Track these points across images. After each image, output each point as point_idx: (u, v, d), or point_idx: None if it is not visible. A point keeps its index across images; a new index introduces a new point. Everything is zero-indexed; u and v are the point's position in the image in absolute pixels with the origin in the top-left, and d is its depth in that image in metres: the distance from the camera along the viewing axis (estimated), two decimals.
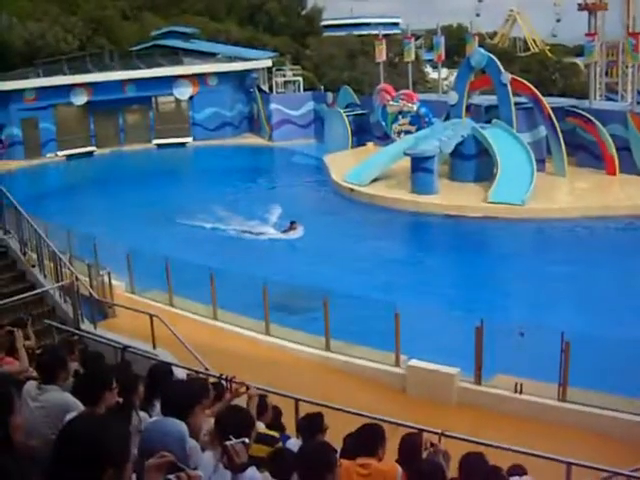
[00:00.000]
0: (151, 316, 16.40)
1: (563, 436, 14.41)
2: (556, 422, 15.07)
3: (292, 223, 32.86)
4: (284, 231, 32.75)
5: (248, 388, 7.38)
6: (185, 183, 47.06)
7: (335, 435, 8.14)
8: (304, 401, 10.77)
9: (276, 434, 8.28)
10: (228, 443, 5.02)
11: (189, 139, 59.06)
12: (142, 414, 7.22)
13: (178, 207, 36.38)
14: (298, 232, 32.58)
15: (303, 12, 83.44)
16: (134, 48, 63.36)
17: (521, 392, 15.87)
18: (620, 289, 24.72)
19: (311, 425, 8.38)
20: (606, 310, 22.72)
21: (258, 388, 9.82)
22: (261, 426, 8.13)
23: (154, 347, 15.98)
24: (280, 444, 7.96)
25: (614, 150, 38.35)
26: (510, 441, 10.93)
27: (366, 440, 7.14)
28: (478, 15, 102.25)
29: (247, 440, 5.14)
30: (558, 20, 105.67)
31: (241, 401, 7.31)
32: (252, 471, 5.29)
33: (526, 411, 15.53)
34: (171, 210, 35.67)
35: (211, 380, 9.33)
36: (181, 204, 37.43)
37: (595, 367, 16.88)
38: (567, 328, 15.88)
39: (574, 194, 36.56)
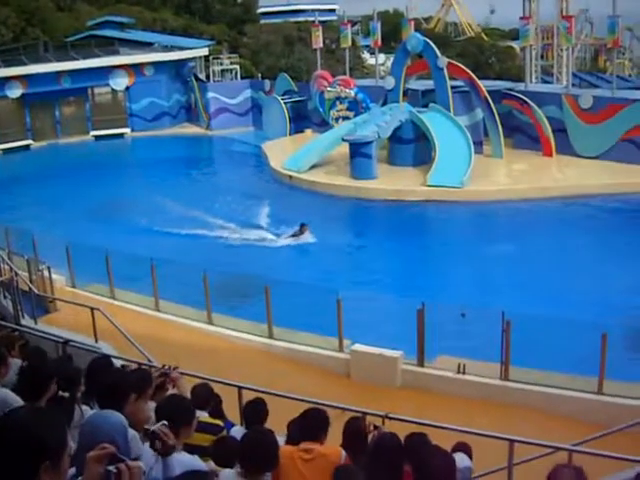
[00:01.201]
0: (92, 309, 16.26)
1: (506, 414, 14.70)
2: (499, 401, 15.34)
3: (302, 226, 29.86)
4: (293, 235, 29.81)
5: (167, 374, 7.34)
6: (127, 175, 46.53)
7: (280, 422, 8.17)
8: (247, 389, 10.75)
9: (220, 422, 8.30)
10: (154, 427, 5.04)
11: (127, 130, 58.51)
12: (84, 407, 7.18)
13: (129, 202, 36.01)
14: (308, 236, 29.63)
15: None
16: (69, 39, 62.48)
17: (464, 372, 16.05)
18: (559, 268, 25.08)
19: (255, 411, 8.39)
20: (546, 289, 23.09)
21: (201, 377, 9.84)
22: (204, 415, 8.13)
23: (96, 340, 15.86)
24: (224, 432, 7.99)
25: (550, 132, 38.90)
26: (454, 421, 11.05)
27: (309, 425, 7.18)
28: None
29: (166, 422, 5.16)
30: (492, 12, 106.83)
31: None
32: (181, 455, 5.32)
33: (469, 391, 15.75)
34: (125, 208, 35.28)
35: (154, 371, 9.30)
36: (130, 198, 37.10)
37: (536, 346, 17.16)
38: (509, 308, 16.10)
39: (512, 176, 37.10)
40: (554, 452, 9.83)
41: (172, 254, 23.84)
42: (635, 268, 24.87)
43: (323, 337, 18.15)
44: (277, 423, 7.94)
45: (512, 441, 9.83)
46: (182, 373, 7.85)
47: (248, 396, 9.83)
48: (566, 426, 13.66)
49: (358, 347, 16.99)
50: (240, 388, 10.82)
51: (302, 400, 10.12)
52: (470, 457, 8.55)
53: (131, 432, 4.74)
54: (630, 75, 77.75)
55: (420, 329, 16.29)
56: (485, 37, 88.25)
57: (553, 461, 7.71)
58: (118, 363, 10.38)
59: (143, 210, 33.73)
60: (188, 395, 7.40)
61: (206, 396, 8.66)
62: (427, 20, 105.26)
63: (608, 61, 70.52)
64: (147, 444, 5.30)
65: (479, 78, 42.20)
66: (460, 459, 8.12)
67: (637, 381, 15.84)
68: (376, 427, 7.88)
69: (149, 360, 12.90)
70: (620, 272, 24.39)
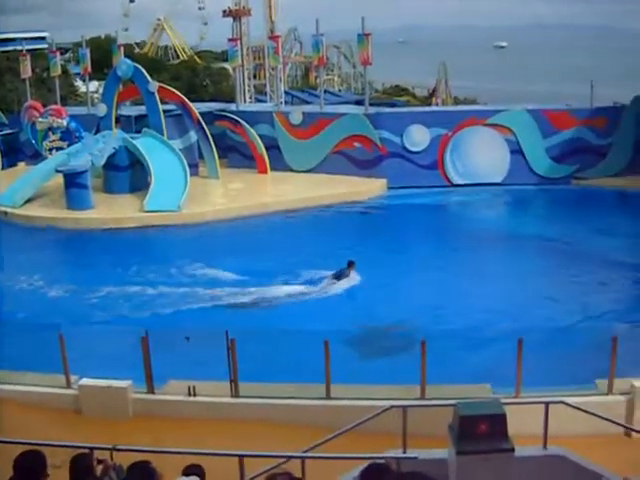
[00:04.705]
0: None
1: (239, 430, 14.89)
2: (232, 418, 15.59)
3: (350, 264, 25.44)
4: (336, 276, 25.19)
5: None
6: None
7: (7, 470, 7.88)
8: None
9: None
10: None
11: None
12: None
13: None
14: (355, 276, 25.41)
15: None
16: None
17: (195, 395, 16.14)
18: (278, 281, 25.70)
19: None
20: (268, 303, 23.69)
21: None
22: None
23: None
24: None
25: (264, 149, 40.05)
26: (187, 444, 11.15)
27: (25, 470, 7.01)
28: (126, 30, 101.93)
29: None
30: (205, 23, 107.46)
31: None
32: None
33: (201, 412, 15.90)
34: None
35: None
36: None
37: (265, 360, 17.58)
38: (234, 326, 16.45)
39: (229, 195, 37.79)
40: (285, 462, 10.12)
41: None
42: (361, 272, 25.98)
43: (50, 375, 17.61)
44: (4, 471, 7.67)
45: (241, 456, 10.05)
46: None
47: None
48: (299, 434, 13.99)
49: (86, 381, 16.64)
50: None
51: (28, 443, 9.84)
52: (202, 477, 8.65)
53: None
54: (340, 90, 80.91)
55: (146, 356, 16.20)
56: (198, 59, 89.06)
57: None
58: None
59: None
60: None
61: None
62: (140, 45, 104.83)
63: (318, 78, 73.17)
64: None
65: (194, 100, 42.75)
66: None
67: (361, 382, 16.58)
68: (100, 461, 7.85)
69: None
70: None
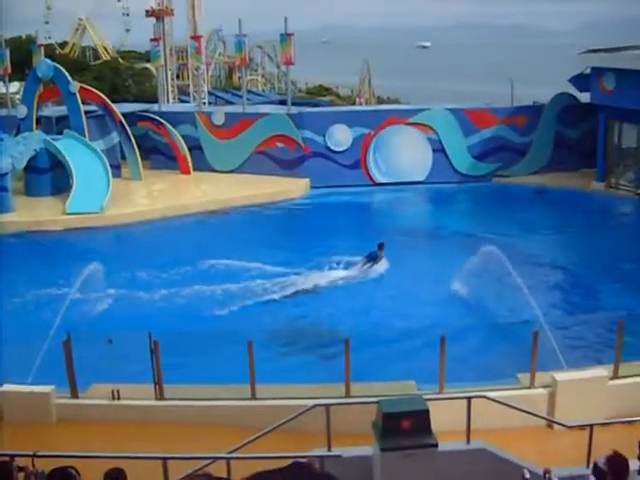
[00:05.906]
0: None
1: (164, 433, 14.79)
2: (156, 421, 15.41)
3: (380, 246, 25.99)
4: (370, 260, 25.81)
5: None
6: None
7: None
8: None
9: None
10: None
11: None
12: None
13: None
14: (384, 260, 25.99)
15: None
16: None
17: (118, 398, 15.96)
18: (200, 281, 25.58)
19: None
20: (188, 305, 23.62)
21: None
22: None
23: None
24: None
25: (186, 150, 40.04)
26: (112, 448, 11.04)
27: None
28: (47, 23, 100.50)
29: None
30: (128, 30, 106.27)
31: None
32: None
33: (126, 416, 15.66)
34: None
35: None
36: None
37: (191, 361, 17.50)
38: (157, 328, 16.29)
39: (152, 196, 37.72)
40: (209, 464, 10.10)
41: None
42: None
43: None
44: None
45: (165, 459, 10.00)
46: None
47: None
48: (224, 435, 13.95)
49: (7, 387, 16.34)
50: None
51: None
52: None
53: None
54: (263, 90, 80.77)
55: (68, 360, 15.95)
56: (121, 60, 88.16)
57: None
58: None
59: None
60: None
61: None
62: (62, 45, 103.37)
63: (241, 78, 73.20)
64: None
65: (117, 101, 42.44)
66: None
67: (284, 382, 16.62)
68: (21, 469, 7.75)
69: None
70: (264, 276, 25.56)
